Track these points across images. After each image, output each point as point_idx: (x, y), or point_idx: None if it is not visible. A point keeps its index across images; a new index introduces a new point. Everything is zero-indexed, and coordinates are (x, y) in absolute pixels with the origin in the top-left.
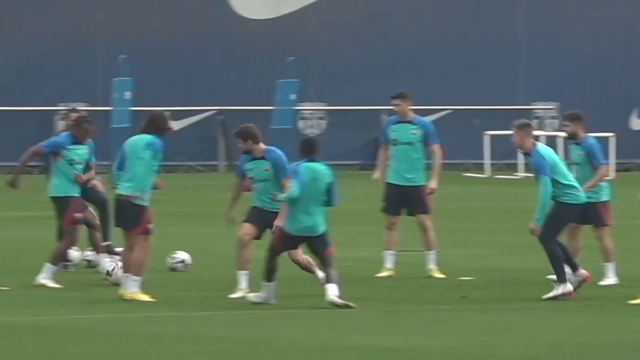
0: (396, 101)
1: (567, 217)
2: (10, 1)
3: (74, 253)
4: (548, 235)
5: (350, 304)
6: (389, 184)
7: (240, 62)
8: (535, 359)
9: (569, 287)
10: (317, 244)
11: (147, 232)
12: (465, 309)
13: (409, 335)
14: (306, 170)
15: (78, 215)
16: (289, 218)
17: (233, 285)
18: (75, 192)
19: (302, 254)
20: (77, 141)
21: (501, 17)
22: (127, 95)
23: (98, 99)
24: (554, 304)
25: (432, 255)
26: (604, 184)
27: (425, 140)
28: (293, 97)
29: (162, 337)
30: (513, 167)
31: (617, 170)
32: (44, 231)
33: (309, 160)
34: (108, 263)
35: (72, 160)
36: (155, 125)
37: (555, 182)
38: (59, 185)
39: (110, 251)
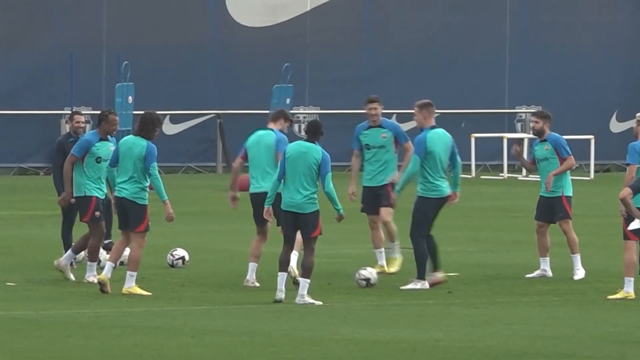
0: (375, 105)
1: (429, 211)
2: (18, 9)
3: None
4: (416, 232)
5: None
6: (365, 187)
7: (238, 68)
8: (516, 351)
9: (425, 285)
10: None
11: (146, 229)
12: (450, 303)
13: (396, 328)
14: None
15: (97, 213)
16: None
17: (230, 280)
18: (98, 192)
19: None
20: (102, 138)
21: (487, 23)
22: (130, 99)
23: (101, 103)
24: (535, 299)
25: (395, 247)
26: (566, 179)
27: (396, 141)
28: (288, 101)
29: (162, 330)
30: (498, 168)
31: (596, 171)
32: (48, 230)
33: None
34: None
35: (100, 157)
36: (146, 127)
37: (423, 172)
38: (81, 185)
39: (109, 248)
